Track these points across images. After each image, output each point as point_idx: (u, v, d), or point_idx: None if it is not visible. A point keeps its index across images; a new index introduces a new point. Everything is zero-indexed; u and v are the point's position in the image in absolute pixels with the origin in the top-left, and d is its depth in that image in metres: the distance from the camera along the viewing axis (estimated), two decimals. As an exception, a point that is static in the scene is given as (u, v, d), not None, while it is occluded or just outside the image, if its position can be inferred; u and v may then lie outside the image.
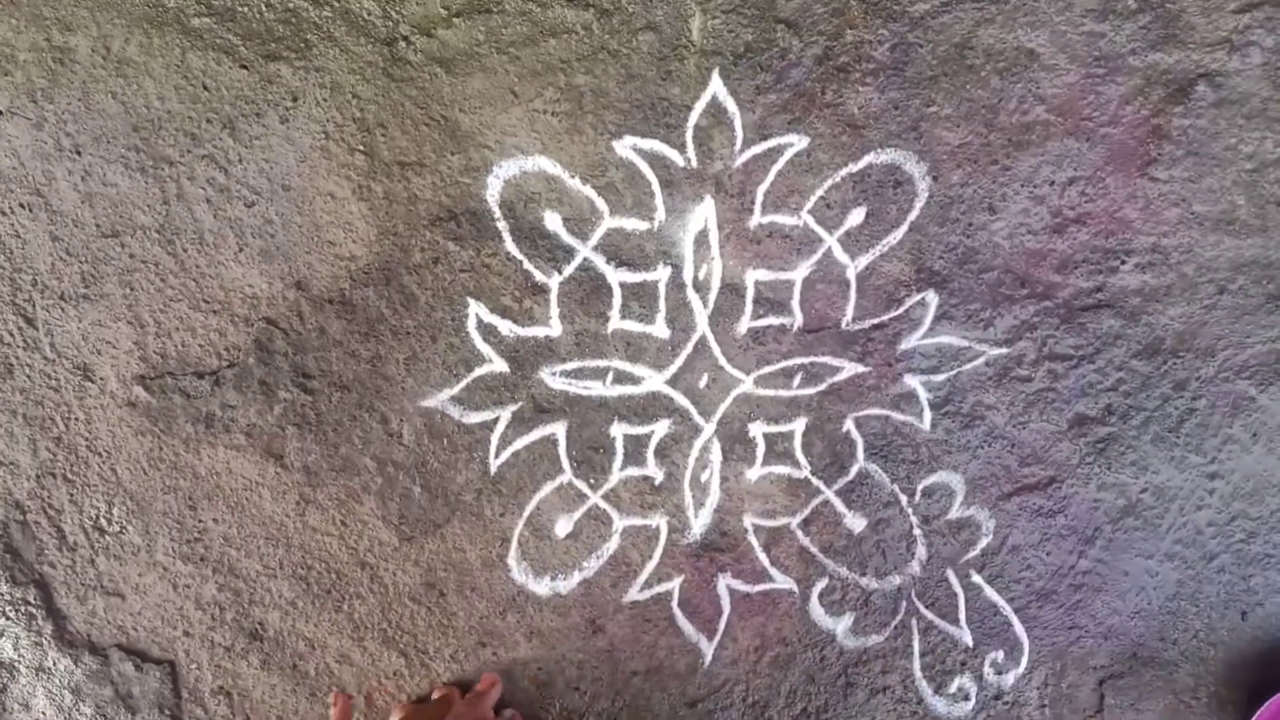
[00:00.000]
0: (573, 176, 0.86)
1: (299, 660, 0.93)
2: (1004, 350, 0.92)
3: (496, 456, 0.91)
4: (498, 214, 0.87)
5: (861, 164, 0.87)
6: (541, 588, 0.94)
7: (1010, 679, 0.99)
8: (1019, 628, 0.98)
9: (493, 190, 0.86)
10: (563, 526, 0.93)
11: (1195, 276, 0.92)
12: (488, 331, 0.89)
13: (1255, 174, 0.90)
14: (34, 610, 0.90)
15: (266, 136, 0.84)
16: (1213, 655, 1.02)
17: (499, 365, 0.89)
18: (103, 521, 0.89)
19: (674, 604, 0.95)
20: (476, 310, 0.88)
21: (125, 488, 0.88)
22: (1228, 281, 0.92)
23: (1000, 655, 0.98)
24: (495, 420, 0.90)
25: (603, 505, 0.93)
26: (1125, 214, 0.90)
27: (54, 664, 0.91)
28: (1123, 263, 0.91)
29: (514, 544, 0.93)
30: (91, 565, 0.90)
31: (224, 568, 0.91)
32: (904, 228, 0.89)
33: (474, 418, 0.91)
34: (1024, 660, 0.98)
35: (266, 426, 0.89)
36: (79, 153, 0.83)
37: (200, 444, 0.88)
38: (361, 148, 0.85)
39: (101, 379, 0.87)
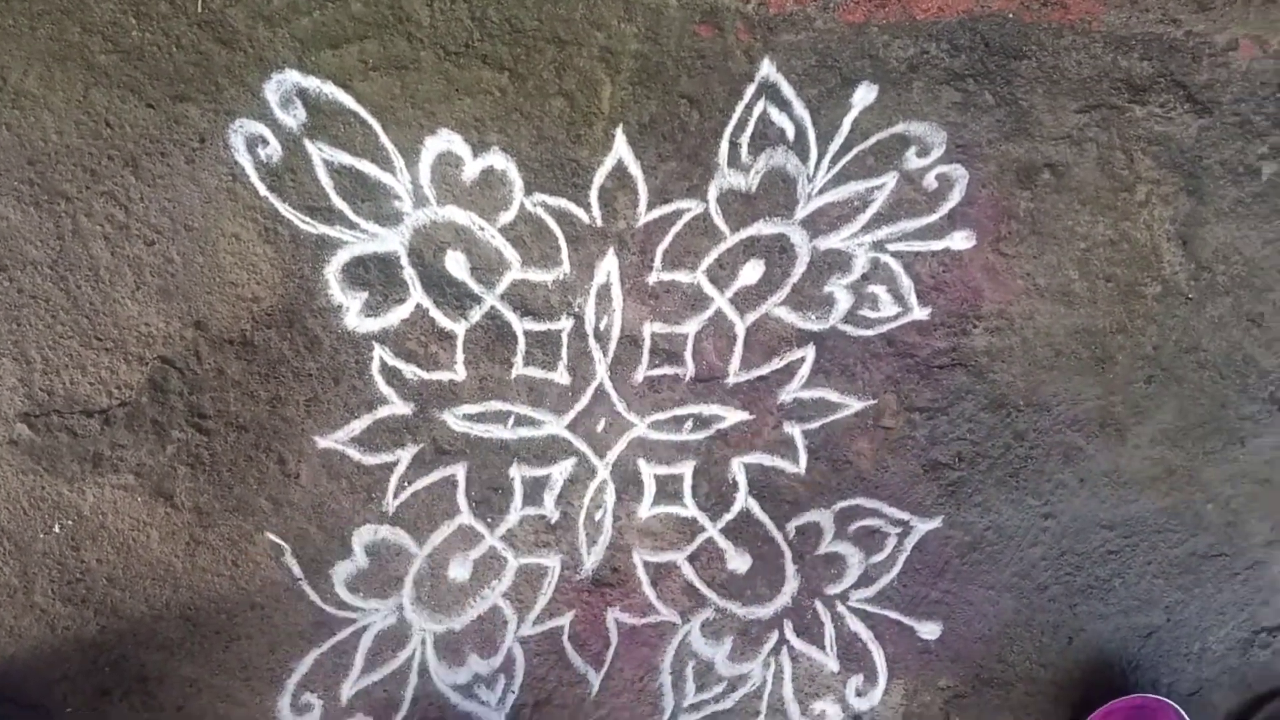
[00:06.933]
0: (481, 229, 1.04)
1: (183, 701, 1.07)
2: (871, 402, 1.17)
3: (395, 497, 1.08)
4: (406, 261, 1.03)
5: (751, 230, 1.09)
6: (436, 624, 1.11)
7: (868, 701, 1.26)
8: (878, 654, 1.24)
9: (403, 238, 1.02)
10: (459, 566, 1.11)
11: (1035, 340, 1.21)
12: (391, 375, 1.05)
13: (1087, 252, 1.20)
14: (-105, 656, 0.99)
15: (171, 176, 0.97)
16: (1043, 676, 1.33)
17: (401, 408, 1.06)
18: (-25, 563, 1.00)
19: (564, 638, 1.15)
20: (381, 354, 1.04)
21: (3, 527, 1.00)
22: (1062, 346, 1.22)
23: (861, 679, 1.25)
24: (395, 462, 1.07)
25: (499, 546, 1.12)
26: (978, 284, 1.16)
27: (-85, 712, 1.00)
28: (974, 326, 1.18)
29: (409, 582, 1.10)
30: (-40, 608, 1.00)
31: (107, 609, 1.04)
32: (786, 289, 1.12)
33: (374, 459, 1.07)
34: (881, 683, 1.25)
35: (157, 466, 1.02)
36: (-34, 183, 0.93)
37: (86, 483, 1.00)
38: (270, 192, 0.99)
39: (-19, 416, 0.97)
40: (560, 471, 1.13)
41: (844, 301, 1.15)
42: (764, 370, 1.16)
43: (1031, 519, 1.27)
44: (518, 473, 1.12)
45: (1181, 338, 1.26)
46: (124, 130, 0.97)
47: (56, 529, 1.02)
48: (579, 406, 1.12)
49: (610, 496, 1.15)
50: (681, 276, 1.11)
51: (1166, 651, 1.38)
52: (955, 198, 1.15)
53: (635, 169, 1.07)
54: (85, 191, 0.97)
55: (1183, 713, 1.29)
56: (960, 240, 1.16)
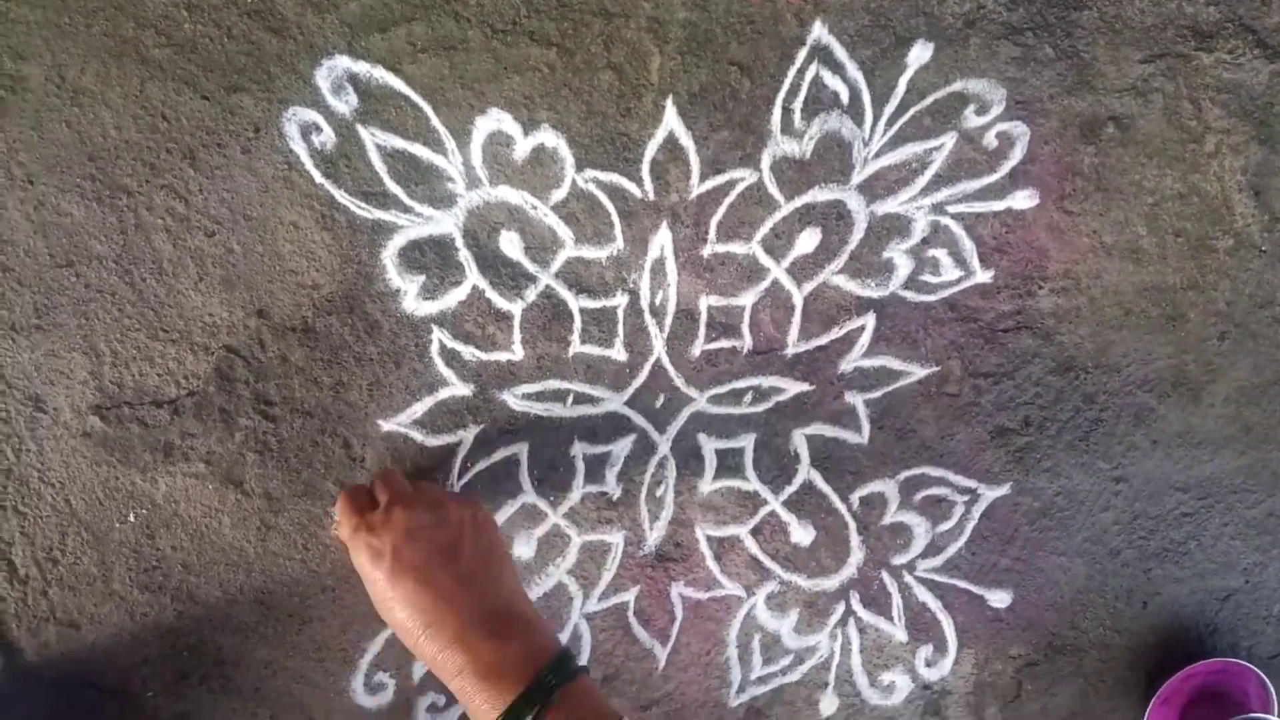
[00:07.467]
0: (534, 208, 1.04)
1: (260, 683, 1.10)
2: (934, 369, 1.17)
3: (459, 478, 1.10)
4: (461, 243, 1.04)
5: (806, 197, 1.09)
6: (503, 603, 1.13)
7: (939, 671, 1.26)
8: (947, 623, 1.24)
9: (457, 219, 1.03)
10: (523, 544, 1.13)
11: (1103, 300, 1.19)
12: (450, 357, 1.07)
13: (1155, 207, 1.18)
14: (-15, 645, 1.04)
15: (228, 167, 1.00)
16: (1117, 642, 1.32)
17: (461, 389, 1.08)
18: (56, 553, 1.03)
19: (630, 614, 1.17)
20: (440, 336, 1.06)
21: (80, 518, 1.03)
22: (1132, 304, 1.20)
23: (930, 649, 1.26)
24: (458, 443, 1.09)
25: (562, 524, 1.13)
26: (1042, 243, 1.15)
27: (6, 697, 1.05)
28: (1040, 288, 1.16)
29: (475, 562, 1.12)
30: (44, 597, 1.04)
31: (183, 595, 1.07)
32: (844, 257, 1.11)
33: (437, 441, 1.09)
34: (951, 652, 1.25)
35: (227, 454, 1.05)
36: (31, 182, 0.97)
37: (158, 472, 1.03)
38: (325, 178, 1.01)
39: (55, 410, 1.01)
40: (620, 448, 1.14)
41: (904, 267, 1.14)
42: (823, 340, 1.15)
43: (1103, 483, 1.26)
44: (578, 450, 1.13)
45: (1255, 292, 1.24)
46: (180, 123, 0.99)
47: (131, 518, 1.06)
48: (637, 383, 1.13)
49: (671, 472, 1.16)
50: (736, 248, 1.11)
51: (1245, 614, 1.37)
52: (1016, 156, 1.13)
53: (686, 140, 1.07)
54: (145, 185, 0.99)
55: (1264, 676, 1.27)
56: (1023, 199, 1.14)
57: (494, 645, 0.84)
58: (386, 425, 1.09)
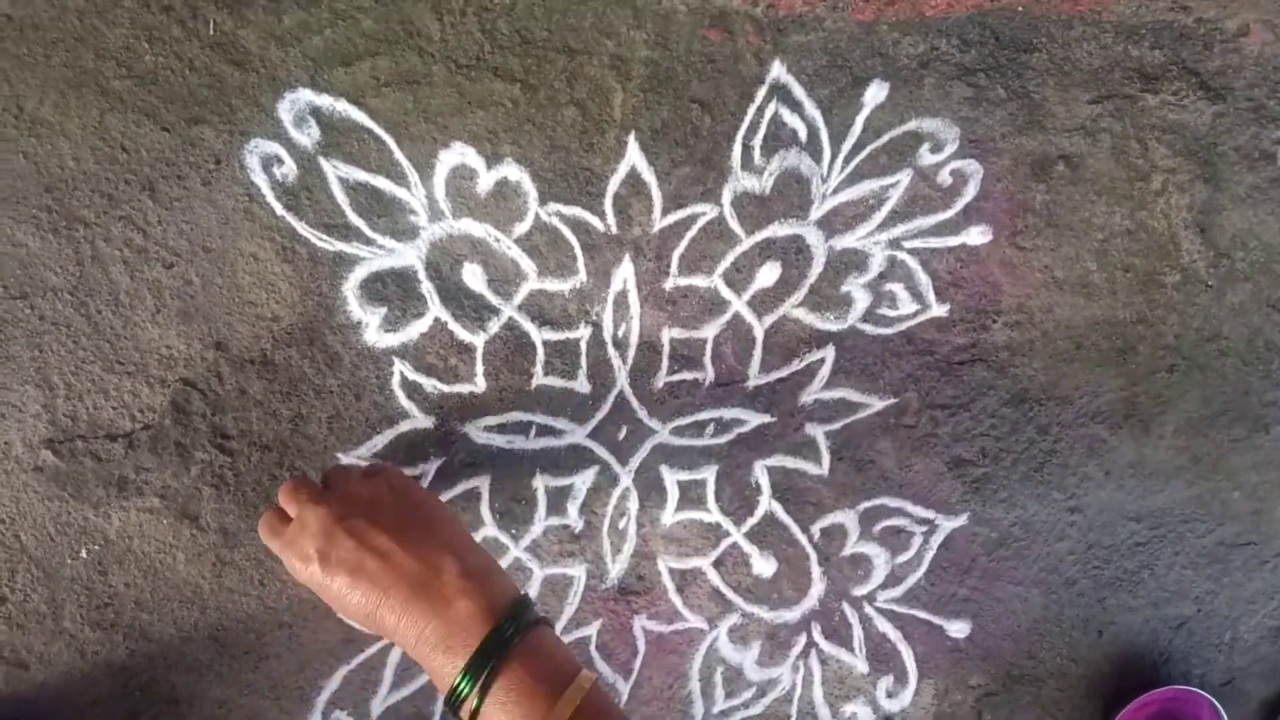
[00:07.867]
0: (497, 240, 1.05)
1: (214, 723, 1.09)
2: (892, 401, 1.19)
3: (420, 511, 1.09)
4: (423, 275, 1.05)
5: (766, 232, 1.11)
6: (464, 638, 1.13)
7: (899, 702, 1.27)
8: (907, 654, 1.26)
9: (420, 252, 1.04)
10: (484, 577, 1.12)
11: (1055, 333, 1.22)
12: (412, 389, 1.07)
13: (1105, 243, 1.21)
14: (-73, 686, 1.01)
15: (188, 198, 0.99)
16: (1074, 671, 1.34)
17: (423, 422, 1.08)
18: (4, 590, 1.02)
19: (592, 648, 1.17)
20: (401, 368, 1.06)
21: (30, 554, 1.01)
22: (1083, 338, 1.23)
23: (891, 680, 1.27)
24: (419, 476, 1.09)
25: (524, 557, 1.13)
26: (996, 278, 1.18)
27: (-51, 741, 1.02)
28: (994, 321, 1.19)
29: (436, 596, 1.11)
30: (-9, 636, 1.02)
31: (136, 633, 1.06)
32: (803, 290, 1.13)
33: (397, 474, 1.08)
34: (911, 683, 1.26)
35: (182, 488, 1.04)
36: (-14, 213, 0.95)
37: (111, 507, 1.02)
38: (287, 210, 1.01)
39: (6, 443, 1.00)
40: (583, 480, 1.15)
41: (862, 301, 1.17)
42: (784, 372, 1.17)
43: (1058, 513, 1.29)
44: (540, 483, 1.14)
45: (1202, 326, 1.28)
46: (140, 154, 0.99)
47: (83, 554, 1.04)
48: (600, 415, 1.14)
49: (633, 504, 1.17)
50: (698, 281, 1.13)
51: (1198, 642, 1.40)
52: (970, 193, 1.17)
53: (649, 175, 1.09)
54: (103, 216, 0.99)
55: (1216, 704, 1.30)
56: (976, 235, 1.18)
57: (442, 605, 0.79)
58: (346, 459, 1.09)
